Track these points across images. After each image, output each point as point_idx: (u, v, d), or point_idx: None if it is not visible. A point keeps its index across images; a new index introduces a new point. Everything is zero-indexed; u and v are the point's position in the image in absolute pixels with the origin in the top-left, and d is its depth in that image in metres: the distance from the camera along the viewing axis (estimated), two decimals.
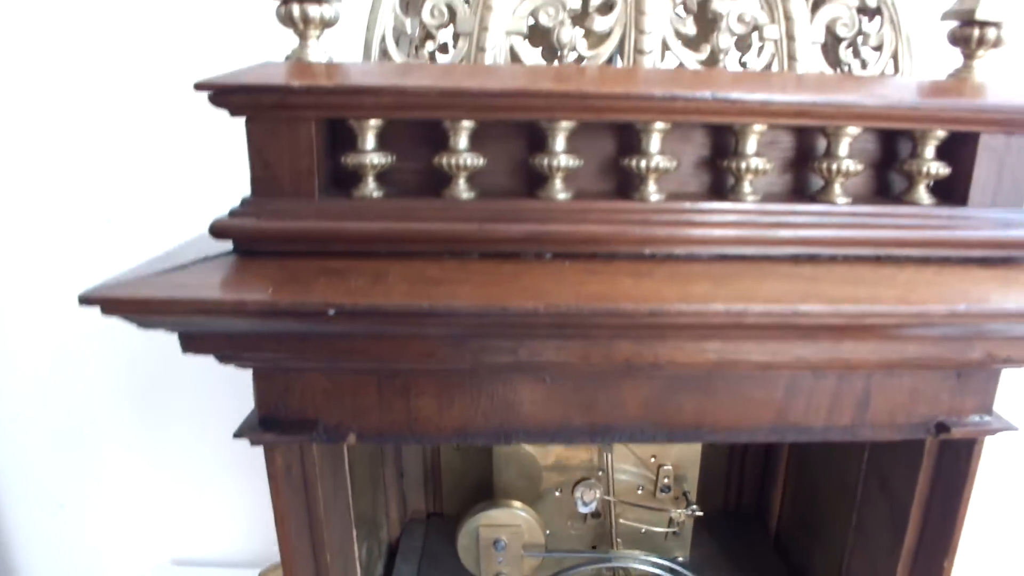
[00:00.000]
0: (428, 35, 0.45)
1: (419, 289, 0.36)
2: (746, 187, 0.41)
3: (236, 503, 0.99)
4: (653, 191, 0.40)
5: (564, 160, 0.40)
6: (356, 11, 0.46)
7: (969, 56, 0.43)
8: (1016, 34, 0.43)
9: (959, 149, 0.41)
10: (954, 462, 0.46)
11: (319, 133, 0.39)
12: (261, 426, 0.42)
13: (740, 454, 0.76)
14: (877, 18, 0.46)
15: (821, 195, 0.42)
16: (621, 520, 0.68)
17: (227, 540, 1.02)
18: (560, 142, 0.40)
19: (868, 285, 0.38)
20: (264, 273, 0.37)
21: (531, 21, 0.45)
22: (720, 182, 0.43)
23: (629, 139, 0.40)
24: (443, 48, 0.45)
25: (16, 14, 0.78)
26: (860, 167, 0.41)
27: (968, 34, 0.42)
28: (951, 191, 0.42)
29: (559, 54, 0.45)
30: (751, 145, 0.40)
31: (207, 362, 0.40)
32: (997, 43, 0.43)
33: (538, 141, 0.40)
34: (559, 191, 0.40)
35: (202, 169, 0.82)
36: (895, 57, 0.46)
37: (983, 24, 0.42)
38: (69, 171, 0.84)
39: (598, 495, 0.66)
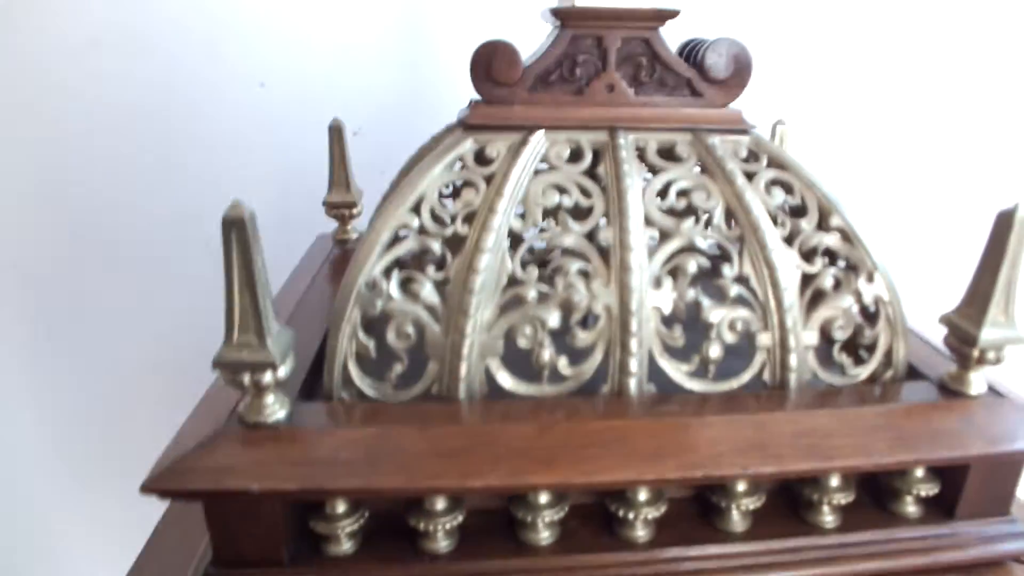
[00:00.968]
0: (395, 356, 0.41)
1: None
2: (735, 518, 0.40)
3: None
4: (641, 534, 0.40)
5: (548, 515, 0.38)
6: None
7: (965, 368, 0.41)
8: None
9: (948, 469, 0.42)
10: None
11: (285, 510, 0.35)
12: None
13: None
14: (874, 316, 0.44)
15: (809, 516, 0.42)
16: None
17: None
18: (544, 498, 0.37)
19: None
20: None
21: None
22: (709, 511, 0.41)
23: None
24: (412, 373, 0.41)
25: None
26: (851, 497, 0.41)
27: (967, 353, 0.40)
28: (939, 501, 0.42)
29: (540, 374, 0.41)
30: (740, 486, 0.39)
31: None
32: (997, 361, 0.40)
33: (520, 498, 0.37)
34: (544, 538, 0.39)
35: None
36: (888, 354, 0.43)
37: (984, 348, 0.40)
38: None
39: None
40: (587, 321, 0.41)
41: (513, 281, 0.41)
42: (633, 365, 0.41)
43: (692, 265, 0.42)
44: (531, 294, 0.41)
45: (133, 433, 0.82)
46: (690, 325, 0.42)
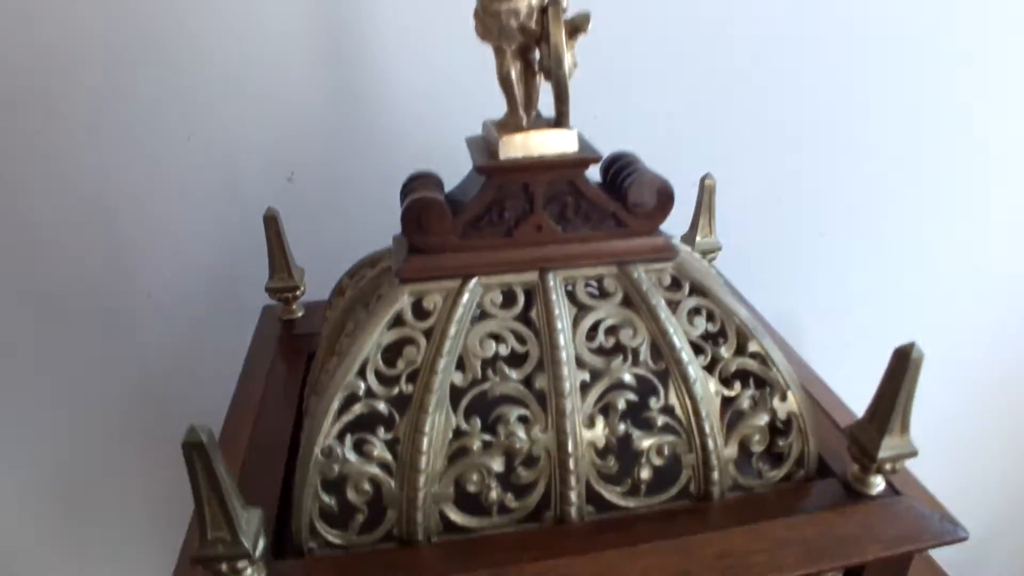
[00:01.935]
0: (356, 508, 0.45)
1: None
2: None
3: None
4: None
5: None
6: None
7: (866, 473, 0.46)
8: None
9: None
10: None
11: None
12: None
13: None
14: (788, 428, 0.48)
15: None
16: None
17: None
18: None
19: None
20: None
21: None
22: None
23: None
24: (373, 518, 0.45)
25: None
26: None
27: (867, 464, 0.45)
28: None
29: (489, 509, 0.45)
30: None
31: None
32: (894, 471, 0.45)
33: None
34: None
35: None
36: (800, 458, 0.48)
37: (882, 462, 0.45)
38: None
39: None
40: (529, 460, 0.45)
41: (459, 432, 0.45)
42: (572, 496, 0.45)
43: (621, 402, 0.46)
44: (476, 444, 0.45)
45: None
46: (622, 451, 0.46)
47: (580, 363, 0.46)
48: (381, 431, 0.44)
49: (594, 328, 0.46)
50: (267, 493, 0.49)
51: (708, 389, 0.46)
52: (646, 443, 0.46)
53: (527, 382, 0.45)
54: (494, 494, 0.45)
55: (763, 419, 0.47)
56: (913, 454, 0.45)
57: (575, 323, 0.46)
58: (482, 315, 0.46)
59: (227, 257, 0.78)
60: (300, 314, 0.66)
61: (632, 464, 0.46)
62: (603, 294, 0.47)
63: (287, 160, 0.75)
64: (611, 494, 0.46)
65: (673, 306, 0.47)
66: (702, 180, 0.64)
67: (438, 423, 0.44)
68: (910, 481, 0.49)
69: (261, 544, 0.40)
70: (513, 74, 0.44)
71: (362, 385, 0.44)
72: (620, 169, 0.48)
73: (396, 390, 0.44)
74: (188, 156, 0.74)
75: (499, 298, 0.46)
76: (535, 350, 0.45)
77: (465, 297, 0.45)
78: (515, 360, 0.46)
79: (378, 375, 0.45)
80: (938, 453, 0.80)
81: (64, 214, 0.75)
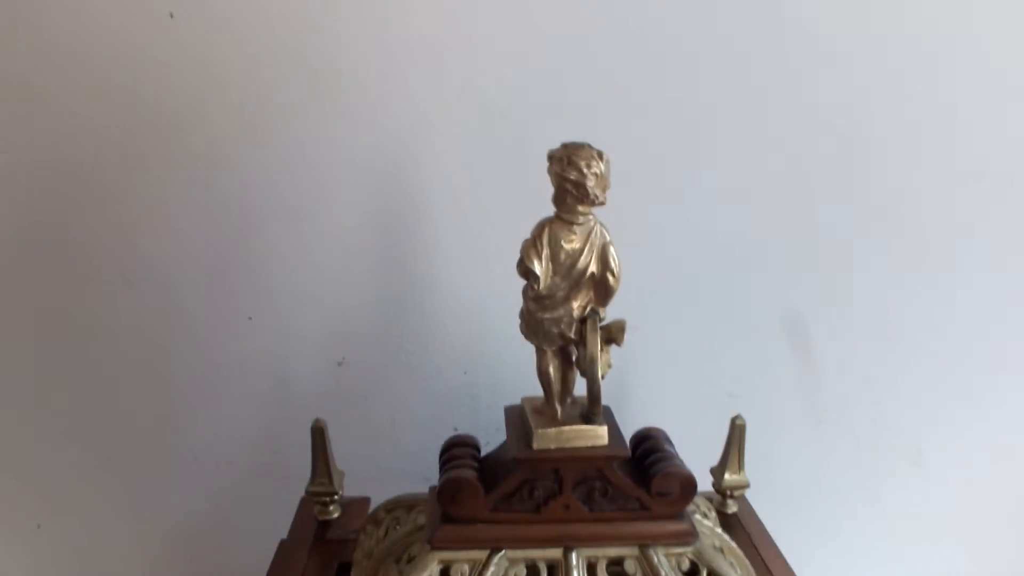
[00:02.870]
0: None
1: None
2: None
3: None
4: None
5: None
6: None
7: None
8: None
9: None
10: None
11: None
12: None
13: None
14: None
15: None
16: None
17: None
18: None
19: None
20: None
21: None
22: None
23: None
24: None
25: None
26: None
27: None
28: None
29: None
30: None
31: None
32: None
33: None
34: None
35: None
36: None
37: None
38: None
39: None
40: None
41: None
42: None
43: None
44: None
45: None
46: None
47: None
48: None
49: None
50: None
51: None
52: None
53: None
54: None
55: None
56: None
57: None
58: None
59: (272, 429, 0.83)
60: (336, 515, 0.68)
61: None
62: None
63: (336, 349, 0.81)
64: None
65: None
66: (733, 420, 0.66)
67: None
68: None
69: None
70: (551, 370, 0.48)
71: None
72: (648, 452, 0.51)
73: None
74: (249, 334, 0.80)
75: (523, 572, 0.49)
76: None
77: (491, 570, 0.48)
78: None
79: None
80: None
81: (128, 366, 0.81)
